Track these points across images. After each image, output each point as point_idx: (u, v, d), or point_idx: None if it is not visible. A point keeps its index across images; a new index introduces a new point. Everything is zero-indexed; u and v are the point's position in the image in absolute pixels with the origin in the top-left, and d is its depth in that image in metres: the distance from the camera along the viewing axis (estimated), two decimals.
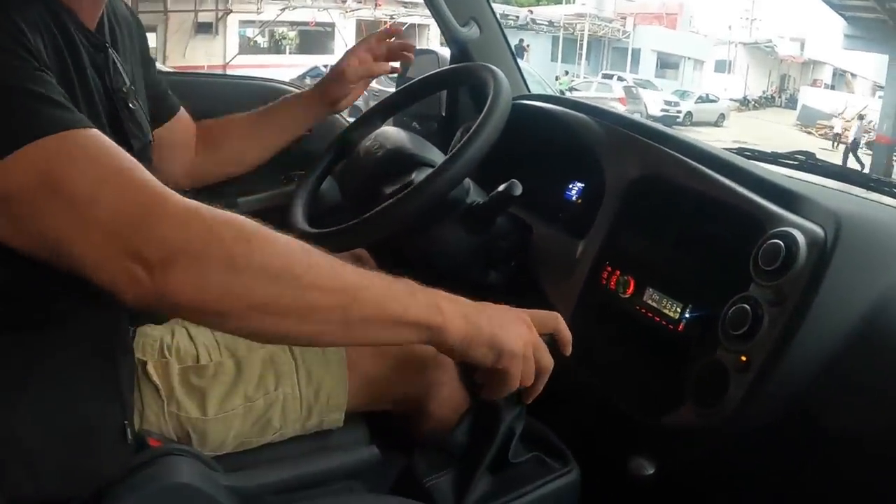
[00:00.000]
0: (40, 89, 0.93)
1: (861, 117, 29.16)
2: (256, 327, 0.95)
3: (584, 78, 32.32)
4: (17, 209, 0.89)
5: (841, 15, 25.13)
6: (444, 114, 2.23)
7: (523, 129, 1.67)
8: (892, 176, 21.54)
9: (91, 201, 0.88)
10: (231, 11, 29.25)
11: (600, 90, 28.02)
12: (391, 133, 1.78)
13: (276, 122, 1.85)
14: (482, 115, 1.49)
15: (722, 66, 46.48)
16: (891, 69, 24.05)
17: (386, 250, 1.79)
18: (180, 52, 26.20)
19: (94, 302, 0.99)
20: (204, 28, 28.87)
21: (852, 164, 24.81)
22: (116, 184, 0.90)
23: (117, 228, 0.88)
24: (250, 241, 0.93)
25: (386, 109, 1.90)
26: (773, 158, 1.99)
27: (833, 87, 46.79)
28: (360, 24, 32.41)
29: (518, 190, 1.56)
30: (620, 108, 25.36)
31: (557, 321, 1.19)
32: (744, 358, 1.22)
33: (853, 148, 26.47)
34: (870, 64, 35.26)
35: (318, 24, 31.43)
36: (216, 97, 2.23)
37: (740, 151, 1.92)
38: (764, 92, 46.98)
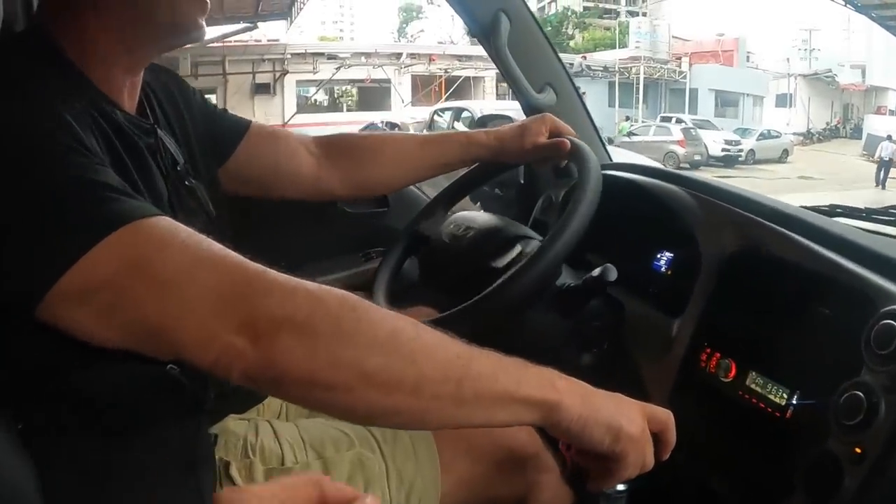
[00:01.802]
0: (109, 181, 0.94)
1: (890, 137, 27.91)
2: (367, 402, 0.92)
3: (643, 122, 32.47)
4: (108, 299, 0.88)
5: (885, 27, 23.73)
6: (522, 181, 2.21)
7: (609, 199, 1.62)
8: None
9: (188, 282, 0.89)
10: (287, 72, 30.27)
11: (659, 133, 28.20)
12: (475, 215, 1.77)
13: (438, 152, 1.79)
14: (578, 191, 1.49)
15: (783, 101, 45.61)
16: None
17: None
18: (242, 112, 27.09)
19: (177, 408, 1.00)
20: (262, 89, 29.90)
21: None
22: (211, 263, 0.91)
23: (220, 305, 0.88)
24: (356, 310, 0.92)
25: (470, 182, 1.90)
26: (868, 215, 1.90)
27: None
28: (416, 80, 33.05)
29: (613, 275, 1.53)
30: (680, 151, 25.26)
31: (669, 420, 1.10)
32: (858, 449, 1.13)
33: (883, 168, 25.50)
34: None
35: (373, 80, 32.14)
36: None
37: (833, 208, 1.88)
38: (827, 123, 45.77)
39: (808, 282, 1.37)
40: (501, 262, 1.58)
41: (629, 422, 1.03)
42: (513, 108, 2.35)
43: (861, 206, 1.96)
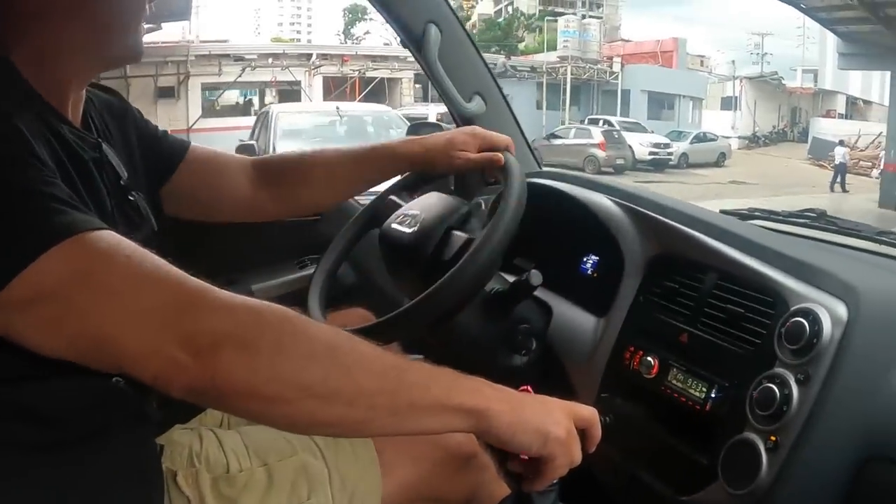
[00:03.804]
0: (57, 193, 1.04)
1: (842, 142, 29.90)
2: (306, 413, 1.00)
3: (568, 124, 32.64)
4: (53, 310, 0.96)
5: (832, 31, 24.63)
6: (452, 188, 2.31)
7: (535, 206, 1.75)
8: None
9: (131, 296, 0.96)
10: (190, 75, 29.75)
11: (579, 136, 28.37)
12: (421, 204, 1.86)
13: (368, 166, 1.88)
14: (503, 201, 1.59)
15: (728, 104, 47.00)
16: (892, 87, 23.83)
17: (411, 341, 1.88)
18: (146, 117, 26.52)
19: (124, 420, 1.09)
20: (166, 92, 29.34)
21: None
22: (154, 279, 0.99)
23: (163, 319, 0.95)
24: (295, 325, 1.01)
25: (399, 191, 1.98)
26: (784, 218, 2.12)
27: (850, 117, 47.45)
28: (328, 81, 32.83)
29: (538, 280, 1.67)
30: (600, 155, 25.24)
31: (593, 418, 1.23)
32: (774, 438, 1.33)
33: (839, 172, 27.05)
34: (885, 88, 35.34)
35: (279, 82, 31.78)
36: None
37: (751, 212, 2.12)
38: (774, 127, 47.61)
39: (724, 283, 1.58)
40: (448, 253, 1.68)
41: (556, 425, 1.15)
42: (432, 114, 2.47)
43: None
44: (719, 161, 33.67)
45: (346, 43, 47.50)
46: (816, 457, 1.31)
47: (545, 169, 2.47)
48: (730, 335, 1.52)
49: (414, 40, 2.22)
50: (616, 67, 39.91)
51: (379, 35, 49.70)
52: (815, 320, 1.34)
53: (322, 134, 13.30)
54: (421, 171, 1.90)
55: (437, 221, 1.75)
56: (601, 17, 59.86)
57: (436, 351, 1.83)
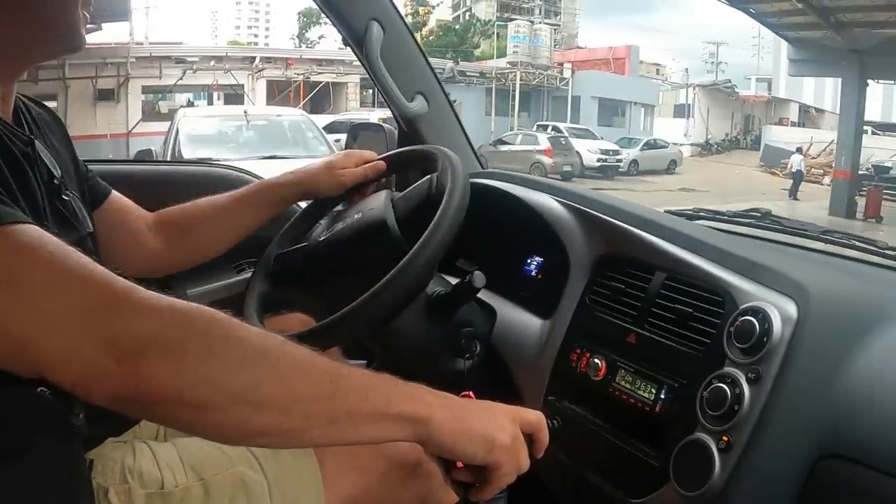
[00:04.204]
0: None
1: (799, 150, 30.59)
2: (237, 422, 0.96)
3: (516, 130, 32.69)
4: None
5: (783, 37, 24.87)
6: (394, 190, 2.29)
7: (479, 207, 1.77)
8: (856, 216, 21.89)
9: (53, 295, 0.91)
10: (130, 77, 29.34)
11: (526, 142, 28.40)
12: (354, 211, 1.85)
13: (252, 206, 1.89)
14: (442, 206, 1.59)
15: (681, 111, 47.73)
16: (843, 95, 23.92)
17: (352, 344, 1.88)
18: (83, 121, 26.04)
19: (50, 434, 1.05)
20: (105, 95, 28.93)
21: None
22: (77, 277, 0.94)
23: (85, 321, 0.91)
24: (224, 328, 0.97)
25: (307, 217, 2.00)
26: (730, 218, 2.15)
27: (803, 125, 48.74)
28: (272, 85, 32.76)
29: (481, 282, 1.67)
30: (547, 161, 25.19)
31: (540, 422, 1.22)
32: (725, 438, 1.34)
33: (795, 180, 27.59)
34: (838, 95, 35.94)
35: (221, 85, 31.66)
36: (168, 185, 2.44)
37: (697, 212, 2.15)
38: (727, 134, 48.34)
39: (671, 283, 1.59)
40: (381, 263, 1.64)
41: (501, 431, 1.14)
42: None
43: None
44: (670, 168, 34.03)
45: (300, 47, 47.19)
46: (770, 455, 1.32)
47: (490, 169, 2.48)
48: (679, 335, 1.53)
49: (356, 38, 2.23)
50: (567, 73, 40.10)
51: (334, 39, 49.53)
52: (764, 319, 1.36)
53: (230, 139, 13.15)
54: (308, 197, 1.96)
55: (375, 223, 1.76)
56: (559, 25, 61.77)
57: (380, 356, 1.89)
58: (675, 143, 37.47)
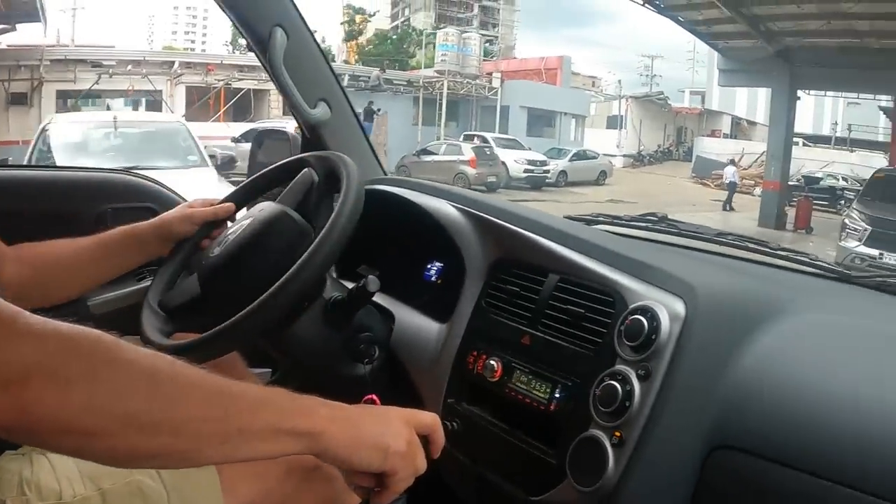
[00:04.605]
0: None
1: (732, 161, 31.08)
2: (127, 446, 0.95)
3: (441, 140, 32.12)
4: None
5: (712, 46, 24.85)
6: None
7: (379, 213, 1.89)
8: (786, 226, 21.86)
9: None
10: (44, 81, 28.55)
11: (449, 152, 27.74)
12: (248, 220, 1.83)
13: (114, 256, 1.89)
14: (334, 213, 1.62)
15: (614, 122, 48.28)
16: (773, 104, 23.97)
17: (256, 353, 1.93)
18: None
19: None
20: (18, 99, 28.14)
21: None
22: None
23: None
24: (111, 351, 0.95)
25: (239, 199, 1.99)
26: (627, 222, 2.24)
27: (735, 137, 50.02)
28: (191, 91, 32.00)
29: (375, 286, 1.72)
30: (471, 172, 24.68)
31: (434, 424, 1.25)
32: (618, 433, 1.39)
33: (729, 191, 27.89)
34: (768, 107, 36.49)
35: (137, 91, 30.89)
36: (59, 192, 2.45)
37: (596, 217, 2.24)
38: (659, 146, 49.16)
39: (564, 284, 1.66)
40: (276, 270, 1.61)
41: (395, 437, 1.16)
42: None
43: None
44: (600, 179, 34.02)
45: (233, 53, 46.33)
46: (662, 449, 1.38)
47: (388, 176, 2.56)
48: (571, 335, 1.59)
49: (260, 43, 2.25)
50: (496, 83, 39.72)
51: None
52: (653, 317, 1.43)
53: (94, 147, 12.65)
54: (171, 241, 1.94)
55: (274, 217, 1.77)
56: (496, 37, 63.51)
57: (283, 364, 1.99)
58: (607, 155, 37.75)
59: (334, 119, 2.41)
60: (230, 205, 1.94)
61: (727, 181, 28.91)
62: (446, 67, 37.30)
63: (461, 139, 31.18)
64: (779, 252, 1.97)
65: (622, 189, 30.28)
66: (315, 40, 2.43)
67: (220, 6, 2.21)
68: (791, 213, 23.20)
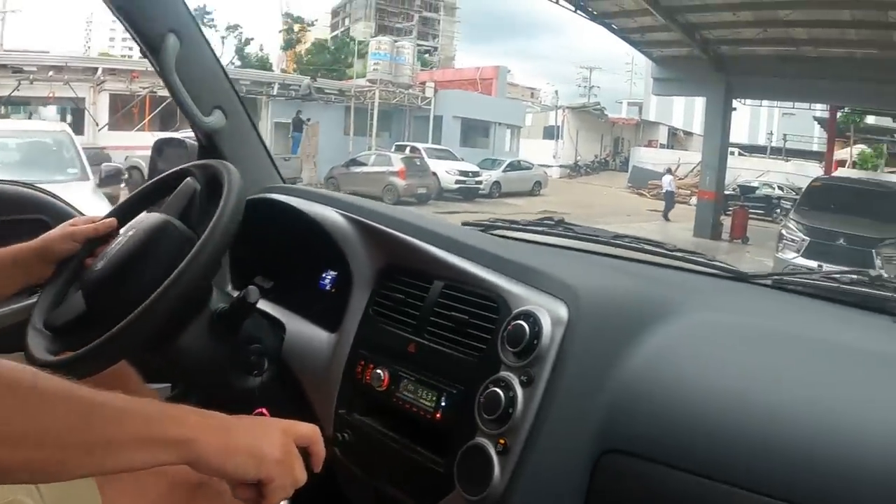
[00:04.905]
0: None
1: (669, 171, 30.98)
2: None
3: (371, 150, 31.33)
4: None
5: (647, 55, 24.41)
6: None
7: (273, 222, 1.95)
8: (722, 236, 21.79)
9: None
10: None
11: (379, 163, 27.01)
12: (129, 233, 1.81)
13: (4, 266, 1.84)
14: (215, 217, 1.61)
15: (551, 133, 48.35)
16: (708, 114, 23.74)
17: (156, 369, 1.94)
18: None
19: None
20: None
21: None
22: None
23: None
24: None
25: (122, 213, 1.96)
26: (524, 226, 2.29)
27: (672, 147, 50.57)
28: (115, 99, 30.82)
29: (255, 297, 1.71)
30: (400, 183, 24.21)
31: (313, 434, 1.25)
32: (503, 441, 1.40)
33: (668, 200, 28.04)
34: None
35: (58, 98, 29.54)
36: None
37: (493, 222, 2.28)
38: (596, 156, 49.49)
39: (450, 290, 1.67)
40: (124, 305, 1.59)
41: (270, 445, 1.15)
42: None
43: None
44: (535, 190, 33.73)
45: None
46: (548, 455, 1.39)
47: (281, 185, 2.46)
48: (456, 342, 1.59)
49: (152, 49, 2.21)
50: (429, 93, 39.03)
51: None
52: (535, 322, 1.43)
53: None
54: (53, 260, 1.88)
55: (157, 226, 1.74)
56: (436, 47, 64.07)
57: (172, 377, 1.98)
58: (542, 165, 37.70)
59: (230, 126, 2.37)
60: (112, 220, 1.89)
61: (665, 190, 28.92)
62: (378, 76, 36.56)
63: (392, 149, 30.68)
64: (675, 253, 2.01)
65: (557, 199, 30.19)
66: (210, 47, 2.41)
67: (111, 10, 2.16)
68: (727, 222, 23.13)
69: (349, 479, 1.76)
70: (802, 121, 42.53)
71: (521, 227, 2.27)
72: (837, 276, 1.91)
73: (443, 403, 1.55)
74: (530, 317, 1.43)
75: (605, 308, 1.52)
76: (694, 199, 26.65)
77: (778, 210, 30.14)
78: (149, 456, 1.03)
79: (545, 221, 2.30)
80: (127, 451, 1.02)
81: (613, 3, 19.48)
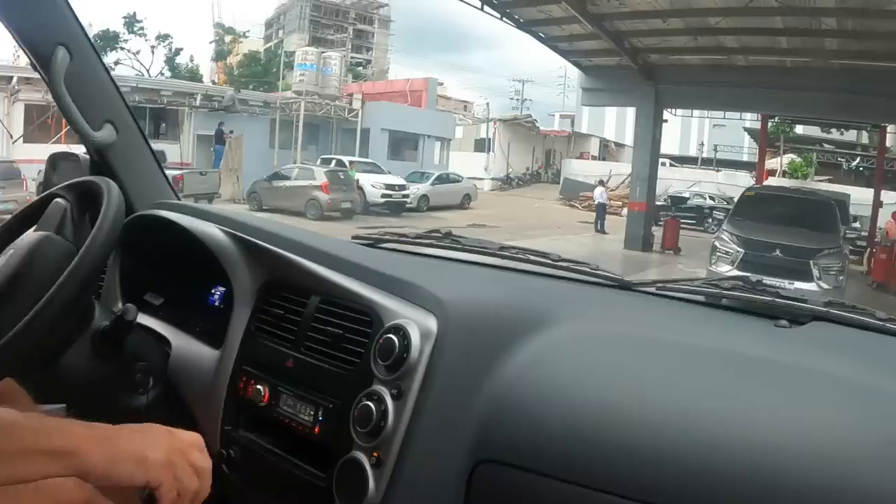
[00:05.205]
0: None
1: (602, 182, 30.84)
2: None
3: (295, 164, 30.24)
4: None
5: (576, 65, 23.98)
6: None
7: (162, 239, 1.96)
8: (654, 248, 21.64)
9: None
10: None
11: (302, 177, 26.42)
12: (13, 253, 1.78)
13: None
14: (94, 229, 1.60)
15: (482, 145, 48.37)
16: (638, 123, 23.39)
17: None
18: None
19: None
20: None
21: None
22: None
23: None
24: None
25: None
26: (412, 240, 2.32)
27: (604, 159, 50.94)
28: (31, 110, 29.75)
29: (132, 314, 1.70)
30: (323, 197, 23.63)
31: (196, 441, 1.26)
32: (376, 454, 1.43)
33: (599, 212, 27.88)
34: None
35: None
36: None
37: (383, 236, 2.33)
38: (528, 168, 49.76)
39: (328, 305, 1.68)
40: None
41: (154, 448, 1.16)
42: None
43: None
44: (464, 203, 33.63)
45: None
46: (422, 467, 1.42)
47: (171, 201, 2.39)
48: (332, 357, 1.62)
49: (41, 62, 2.16)
50: (357, 105, 38.35)
51: (131, 66, 48.74)
52: (404, 336, 1.46)
53: None
54: None
55: (39, 243, 1.71)
56: (370, 60, 64.46)
57: (73, 398, 1.86)
58: (473, 178, 37.67)
59: (121, 142, 2.34)
60: None
61: (597, 202, 28.82)
62: (304, 87, 35.72)
63: (318, 163, 30.10)
64: (559, 263, 2.06)
65: (487, 213, 29.95)
66: (101, 60, 2.38)
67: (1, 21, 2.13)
68: (659, 233, 22.95)
69: (239, 495, 1.75)
70: (733, 131, 43.38)
71: (409, 240, 2.32)
72: (719, 281, 2.01)
73: (320, 418, 1.58)
74: (400, 330, 1.47)
75: (475, 320, 1.55)
76: (625, 211, 26.39)
77: (710, 220, 30.72)
78: (37, 467, 1.06)
79: (433, 234, 2.34)
80: (14, 463, 1.04)
81: (540, 10, 19.02)
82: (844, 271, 13.01)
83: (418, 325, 1.46)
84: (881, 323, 1.78)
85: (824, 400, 1.37)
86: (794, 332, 1.76)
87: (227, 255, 1.93)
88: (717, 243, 14.04)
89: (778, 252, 12.72)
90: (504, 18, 19.51)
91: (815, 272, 12.33)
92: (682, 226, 23.54)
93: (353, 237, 2.33)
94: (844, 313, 1.83)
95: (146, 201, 2.22)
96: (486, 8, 18.26)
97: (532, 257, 2.08)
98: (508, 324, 1.57)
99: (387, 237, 2.31)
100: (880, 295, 16.61)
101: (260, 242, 1.86)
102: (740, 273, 11.61)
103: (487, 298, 1.71)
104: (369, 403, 1.43)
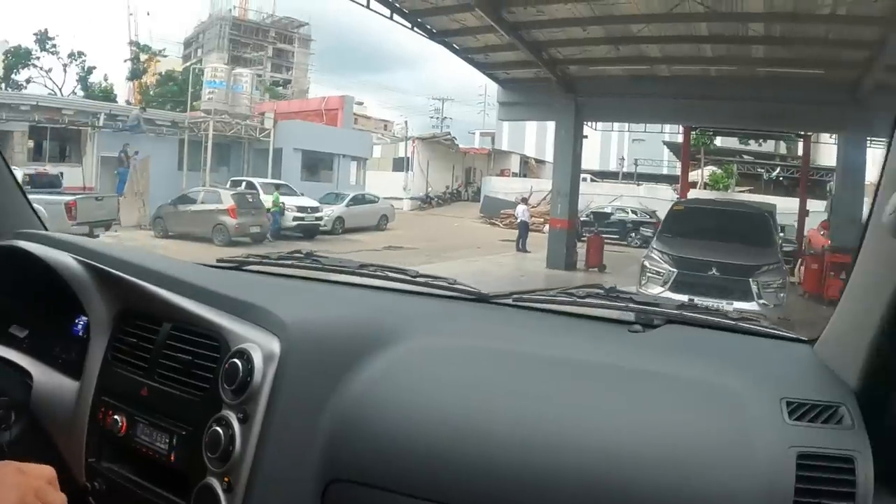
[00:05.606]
0: None
1: (524, 200, 30.53)
2: None
3: (201, 187, 28.80)
4: None
5: (492, 77, 23.26)
6: None
7: (21, 270, 1.92)
8: (577, 266, 20.78)
9: None
10: None
11: (208, 200, 24.84)
12: None
13: None
14: None
15: (400, 164, 47.88)
16: (558, 137, 22.44)
17: None
18: None
19: None
20: None
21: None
22: None
23: None
24: None
25: None
26: (275, 261, 2.32)
27: (525, 176, 50.96)
28: None
29: None
30: (231, 222, 22.52)
31: (49, 475, 1.23)
32: (227, 479, 1.43)
33: (521, 230, 27.02)
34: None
35: None
36: None
37: (247, 258, 2.32)
38: (448, 187, 49.32)
39: (179, 332, 1.67)
40: None
41: (8, 491, 1.13)
42: None
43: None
44: (381, 224, 32.80)
45: (5, 90, 42.31)
46: (273, 490, 1.43)
47: (31, 231, 2.32)
48: (184, 383, 1.62)
49: None
50: (268, 124, 37.09)
51: (44, 84, 46.96)
52: (248, 359, 1.47)
53: None
54: None
55: None
56: (290, 80, 64.21)
57: None
58: (391, 198, 36.92)
59: None
60: None
61: (518, 220, 28.18)
62: (213, 106, 34.31)
63: (228, 185, 29.07)
64: (417, 279, 2.11)
65: (405, 234, 29.30)
66: None
67: None
68: (583, 250, 21.97)
69: None
70: (652, 145, 43.95)
71: (272, 261, 2.34)
72: (574, 290, 2.06)
73: (175, 445, 1.58)
74: (244, 354, 1.48)
75: (320, 340, 1.57)
76: (547, 227, 25.65)
77: (633, 234, 30.16)
78: None
79: (295, 255, 2.37)
80: None
81: (453, 19, 18.29)
82: (785, 287, 12.38)
83: (262, 348, 1.48)
84: (733, 322, 1.88)
85: (665, 402, 1.43)
86: (646, 337, 1.83)
87: (82, 284, 1.92)
88: (646, 262, 12.94)
89: (714, 270, 11.91)
90: (415, 28, 18.81)
91: (755, 290, 11.66)
92: (605, 241, 22.92)
93: (218, 260, 2.34)
94: (696, 315, 1.92)
95: (8, 231, 2.15)
96: (396, 17, 17.35)
97: (391, 274, 2.14)
98: (355, 342, 1.60)
99: (250, 259, 2.34)
100: (814, 305, 15.89)
101: (112, 270, 1.86)
102: (677, 295, 10.97)
103: (335, 318, 1.74)
104: (218, 429, 1.45)
